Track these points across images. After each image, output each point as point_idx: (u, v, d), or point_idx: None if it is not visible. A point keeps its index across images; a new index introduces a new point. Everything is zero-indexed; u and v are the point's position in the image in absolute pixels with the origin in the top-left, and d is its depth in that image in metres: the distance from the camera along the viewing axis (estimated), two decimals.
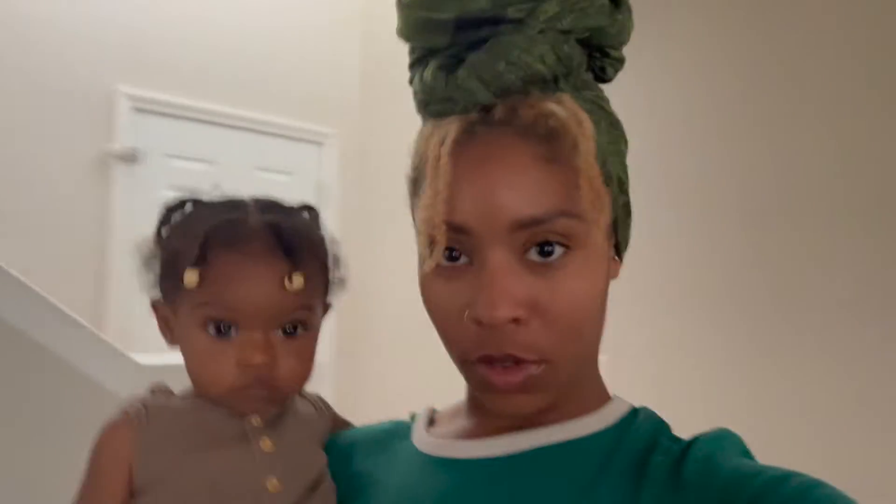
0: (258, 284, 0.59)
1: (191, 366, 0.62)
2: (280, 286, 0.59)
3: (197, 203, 0.65)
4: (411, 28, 0.57)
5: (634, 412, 0.60)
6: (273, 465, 0.60)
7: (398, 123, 3.41)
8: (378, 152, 3.56)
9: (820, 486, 0.46)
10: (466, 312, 0.53)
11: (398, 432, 0.68)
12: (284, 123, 3.44)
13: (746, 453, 0.54)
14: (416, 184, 0.58)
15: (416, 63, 0.59)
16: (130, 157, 2.97)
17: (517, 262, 0.53)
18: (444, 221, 0.53)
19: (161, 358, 2.04)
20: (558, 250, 0.53)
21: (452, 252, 0.55)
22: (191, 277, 0.58)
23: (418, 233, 0.57)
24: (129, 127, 2.99)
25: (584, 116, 0.53)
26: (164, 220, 0.65)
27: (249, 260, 0.59)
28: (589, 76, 0.58)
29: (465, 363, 0.56)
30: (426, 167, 0.55)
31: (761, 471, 0.48)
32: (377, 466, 0.65)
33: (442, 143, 0.54)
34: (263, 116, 3.37)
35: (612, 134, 0.57)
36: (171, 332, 0.65)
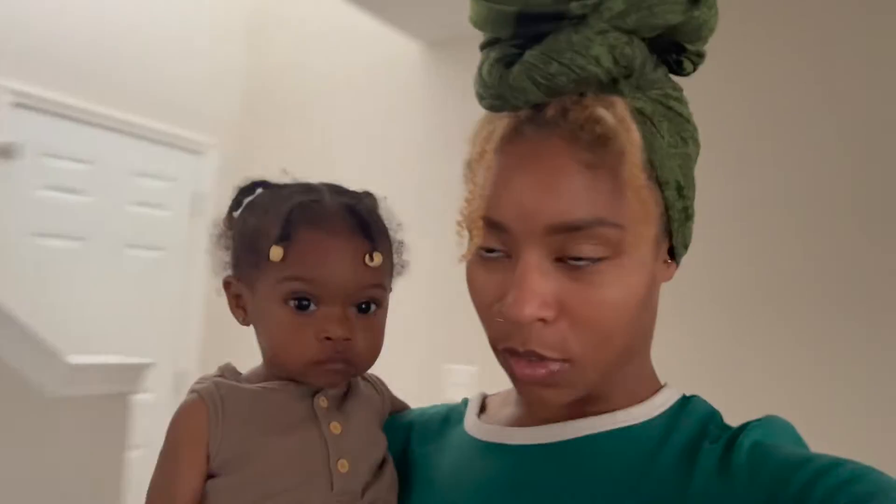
0: (341, 261, 0.62)
1: (272, 339, 0.64)
2: (360, 263, 0.62)
3: (271, 186, 0.68)
4: (479, 17, 0.57)
5: (685, 400, 0.60)
6: (342, 446, 0.62)
7: (278, 138, 3.51)
8: (257, 166, 3.59)
9: (870, 472, 0.46)
10: (497, 307, 0.54)
11: (451, 417, 0.68)
12: (165, 130, 3.41)
13: (798, 440, 0.54)
14: (470, 169, 0.58)
15: (485, 46, 0.58)
16: (6, 153, 2.82)
17: (550, 264, 0.53)
18: (483, 217, 0.54)
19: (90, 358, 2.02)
20: (595, 259, 0.53)
21: (490, 250, 0.56)
22: (277, 252, 0.60)
23: (465, 219, 0.57)
24: (6, 121, 2.84)
25: (633, 125, 0.52)
26: (238, 201, 0.68)
27: (332, 238, 0.62)
28: (660, 72, 0.56)
29: (495, 350, 0.57)
30: (472, 160, 0.56)
31: (812, 458, 0.48)
32: (431, 450, 0.66)
33: (489, 140, 0.55)
34: (144, 121, 3.32)
35: (678, 136, 0.55)
36: (243, 309, 0.67)
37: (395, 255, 0.68)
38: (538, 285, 0.52)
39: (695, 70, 0.59)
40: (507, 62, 0.54)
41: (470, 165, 0.57)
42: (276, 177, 0.69)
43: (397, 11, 2.81)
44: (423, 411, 0.72)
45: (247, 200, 0.68)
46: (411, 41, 3.09)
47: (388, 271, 0.67)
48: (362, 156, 3.18)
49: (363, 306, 0.64)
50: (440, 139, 3.01)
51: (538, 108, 0.54)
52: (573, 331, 0.53)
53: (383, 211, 0.70)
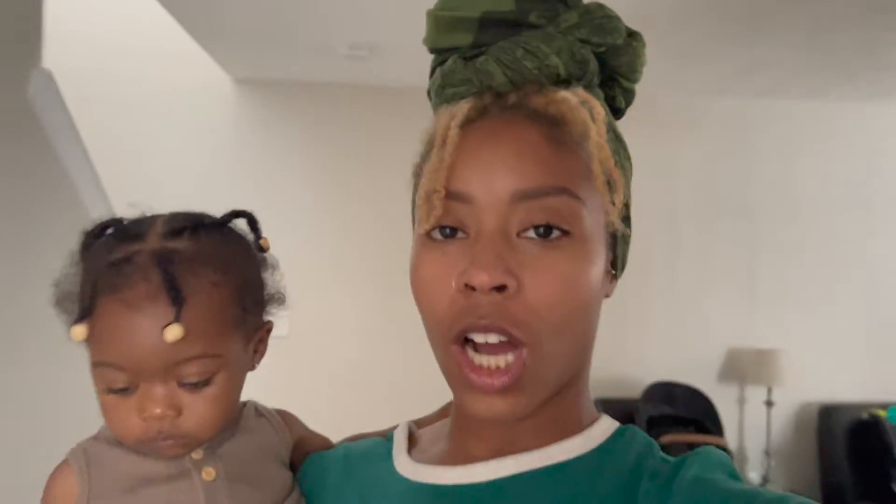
0: (138, 338, 0.55)
1: (103, 416, 0.59)
2: (163, 338, 0.54)
3: (102, 233, 0.60)
4: (438, 30, 0.59)
5: (621, 433, 0.59)
6: (217, 492, 0.59)
7: None
8: None
9: None
10: (454, 280, 0.52)
11: (377, 452, 0.65)
12: None
13: (733, 473, 0.53)
14: (419, 169, 0.58)
15: (437, 66, 0.61)
16: None
17: (514, 237, 0.53)
18: (445, 187, 0.53)
19: None
20: (555, 233, 0.53)
21: (448, 229, 0.55)
22: (78, 332, 0.55)
23: (417, 206, 0.57)
24: None
25: (596, 103, 0.55)
26: (83, 248, 0.60)
27: (129, 310, 0.54)
28: (601, 95, 0.60)
29: (445, 347, 0.54)
30: (434, 143, 0.56)
31: (755, 494, 0.48)
32: (356, 489, 0.63)
33: (453, 118, 0.55)
34: None
35: (619, 151, 0.59)
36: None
37: (243, 296, 0.61)
38: (502, 250, 0.52)
39: (624, 112, 0.63)
40: (471, 57, 0.57)
41: (430, 146, 0.57)
42: (126, 212, 0.61)
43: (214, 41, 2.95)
44: (347, 447, 0.68)
45: (91, 245, 0.60)
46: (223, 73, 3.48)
47: (223, 329, 0.59)
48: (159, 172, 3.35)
49: (189, 381, 0.57)
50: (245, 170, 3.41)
51: (500, 95, 0.56)
52: (532, 308, 0.52)
53: (235, 242, 0.62)
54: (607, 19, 0.57)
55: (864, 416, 3.77)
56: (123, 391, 0.57)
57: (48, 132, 1.71)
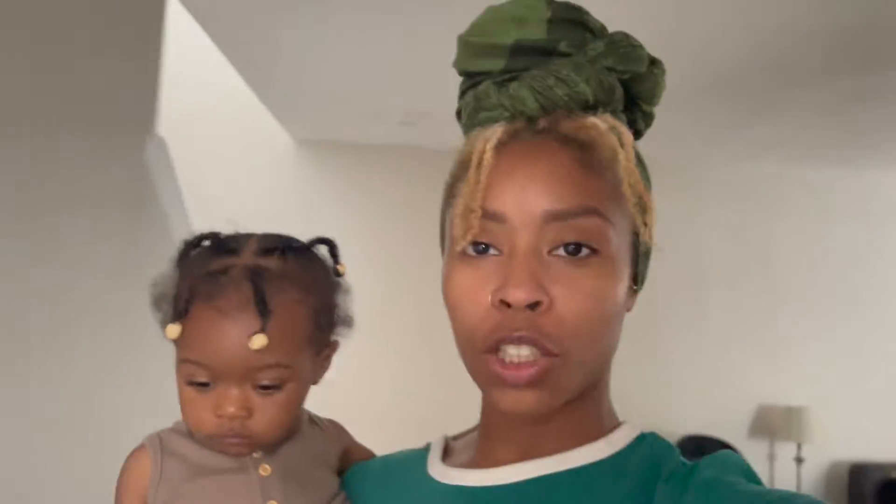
0: (227, 342, 0.60)
1: (180, 408, 0.65)
2: (248, 345, 0.59)
3: (201, 244, 0.67)
4: (470, 55, 0.62)
5: (643, 438, 0.61)
6: (271, 488, 0.64)
7: None
8: None
9: None
10: (490, 296, 0.55)
11: (414, 462, 0.68)
12: None
13: (750, 474, 0.54)
14: (451, 189, 0.61)
15: (468, 89, 0.63)
16: None
17: (546, 254, 0.55)
18: (481, 207, 0.56)
19: None
20: (584, 251, 0.55)
21: (482, 246, 0.57)
22: (171, 331, 0.60)
23: (452, 225, 0.59)
24: None
25: (624, 129, 0.57)
26: (181, 256, 0.67)
27: (221, 315, 0.60)
28: (625, 120, 0.62)
29: (477, 355, 0.57)
30: (468, 164, 0.58)
31: (764, 494, 0.49)
32: (392, 493, 0.66)
33: (487, 142, 0.57)
34: None
35: (644, 174, 0.61)
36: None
37: (320, 316, 0.66)
38: (536, 268, 0.54)
39: (643, 134, 0.66)
40: (502, 84, 0.60)
41: (461, 175, 0.59)
42: (223, 228, 0.67)
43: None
44: (386, 458, 0.73)
45: (190, 255, 0.66)
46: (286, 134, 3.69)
47: (298, 344, 0.64)
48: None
49: (264, 386, 0.62)
50: (302, 222, 3.56)
51: (531, 120, 0.58)
52: (562, 321, 0.54)
53: (318, 266, 0.68)
54: (632, 48, 0.60)
55: (894, 475, 3.81)
56: (203, 387, 0.62)
57: (160, 195, 1.96)
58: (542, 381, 0.55)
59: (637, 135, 0.64)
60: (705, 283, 4.09)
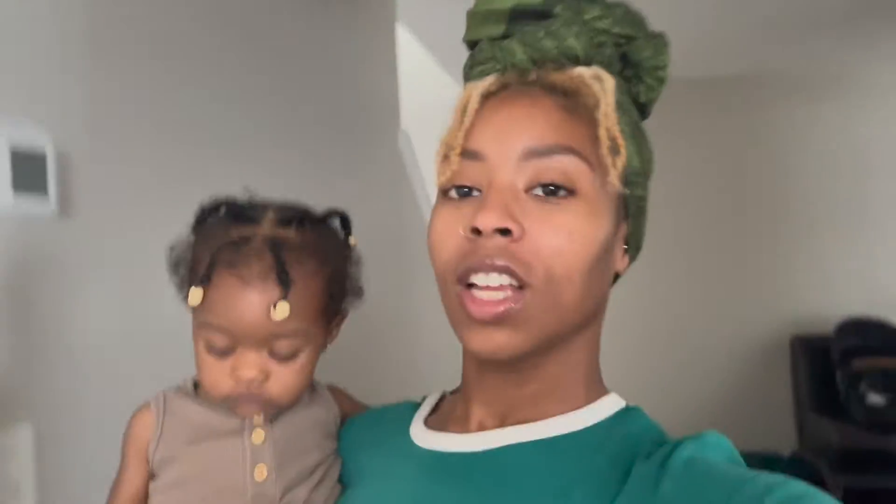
0: (249, 310, 0.62)
1: (196, 368, 0.67)
2: (270, 313, 0.61)
3: (221, 210, 0.68)
4: (474, 24, 0.64)
5: (626, 412, 0.60)
6: (262, 454, 0.66)
7: None
8: None
9: (809, 497, 0.43)
10: (462, 227, 0.56)
11: (401, 418, 0.69)
12: None
13: (733, 456, 0.52)
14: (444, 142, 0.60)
15: (468, 57, 0.65)
16: None
17: (522, 193, 0.56)
18: (462, 146, 0.57)
19: None
20: (562, 193, 0.55)
21: (465, 189, 0.58)
22: (194, 296, 0.62)
23: (436, 168, 0.60)
24: None
25: (608, 76, 0.57)
26: (199, 222, 0.68)
27: (244, 284, 0.62)
28: (625, 91, 0.62)
29: (449, 288, 0.57)
30: (456, 112, 0.59)
31: (750, 478, 0.46)
32: (375, 448, 0.68)
33: (474, 89, 0.59)
34: None
35: (634, 130, 0.61)
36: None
37: (334, 287, 0.68)
38: (508, 200, 0.55)
39: (647, 110, 0.65)
40: (498, 40, 0.62)
41: (453, 112, 0.59)
42: (240, 194, 0.68)
43: None
44: (377, 410, 0.75)
45: (207, 221, 0.68)
46: None
47: (314, 312, 0.66)
48: None
49: (281, 353, 0.64)
50: None
51: (522, 73, 0.60)
52: (534, 254, 0.54)
53: (345, 234, 0.71)
54: (629, 14, 0.61)
55: None
56: (222, 353, 0.64)
57: (411, 181, 2.35)
58: (512, 318, 0.54)
59: (641, 108, 0.65)
60: (867, 174, 4.04)
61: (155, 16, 1.23)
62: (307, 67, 1.80)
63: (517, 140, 0.56)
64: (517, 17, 0.61)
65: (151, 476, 0.67)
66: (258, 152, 1.53)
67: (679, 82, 3.81)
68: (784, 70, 3.93)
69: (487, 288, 0.54)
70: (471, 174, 0.58)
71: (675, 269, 3.97)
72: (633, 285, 3.76)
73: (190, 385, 0.71)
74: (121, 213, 1.10)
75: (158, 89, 1.22)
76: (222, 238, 0.64)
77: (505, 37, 0.62)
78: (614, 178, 0.57)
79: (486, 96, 0.59)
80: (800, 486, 0.44)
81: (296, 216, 0.67)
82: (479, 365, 0.62)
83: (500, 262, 0.54)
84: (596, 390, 0.62)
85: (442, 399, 0.71)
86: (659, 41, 0.62)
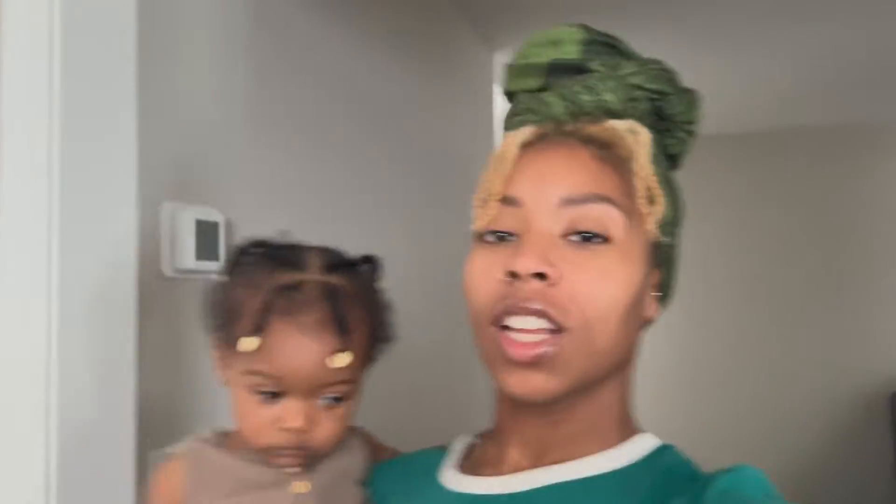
0: (308, 359, 0.61)
1: (236, 417, 0.65)
2: (328, 361, 0.61)
3: (264, 253, 0.66)
4: (512, 77, 0.66)
5: (661, 450, 0.60)
6: None
7: None
8: None
9: None
10: (500, 270, 0.56)
11: (431, 464, 0.68)
12: None
13: (768, 490, 0.52)
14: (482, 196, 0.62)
15: (511, 107, 0.68)
16: None
17: (559, 238, 0.57)
18: (501, 193, 0.58)
19: None
20: (597, 240, 0.57)
21: (501, 234, 0.59)
22: (248, 345, 0.60)
23: (475, 214, 0.61)
24: None
25: (642, 129, 0.60)
26: (235, 264, 0.67)
27: (304, 333, 0.61)
28: (657, 143, 0.63)
29: (485, 329, 0.57)
30: (495, 160, 0.60)
31: None
32: (405, 497, 0.66)
33: (514, 138, 0.61)
34: None
35: (667, 180, 0.62)
36: (224, 373, 0.66)
37: (376, 333, 0.68)
38: (546, 246, 0.56)
39: (679, 162, 0.67)
40: (536, 92, 0.64)
41: (493, 160, 0.61)
42: (275, 236, 0.68)
43: None
44: (406, 457, 0.73)
45: (242, 262, 0.67)
46: None
47: (360, 360, 0.65)
48: None
49: (330, 400, 0.64)
50: None
51: (559, 125, 0.61)
52: (572, 296, 0.55)
53: (378, 280, 0.69)
54: (663, 71, 0.62)
55: None
56: (269, 399, 0.62)
57: None
58: (549, 360, 0.55)
59: (672, 160, 0.66)
60: None
61: (295, 98, 1.45)
62: (414, 132, 1.97)
63: (555, 188, 0.57)
64: (555, 71, 0.63)
65: None
66: (373, 211, 1.71)
67: (786, 132, 3.88)
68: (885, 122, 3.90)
69: (524, 330, 0.55)
70: (508, 220, 0.59)
71: (773, 322, 3.97)
72: (733, 337, 3.78)
73: (217, 436, 0.69)
74: None
75: (299, 160, 1.46)
76: (270, 283, 0.62)
77: (543, 89, 0.63)
78: (651, 225, 0.60)
79: (525, 146, 0.61)
80: None
81: (341, 262, 0.67)
82: (513, 406, 0.62)
83: (536, 306, 0.54)
84: (630, 430, 0.63)
85: (472, 444, 0.70)
86: (691, 97, 0.64)
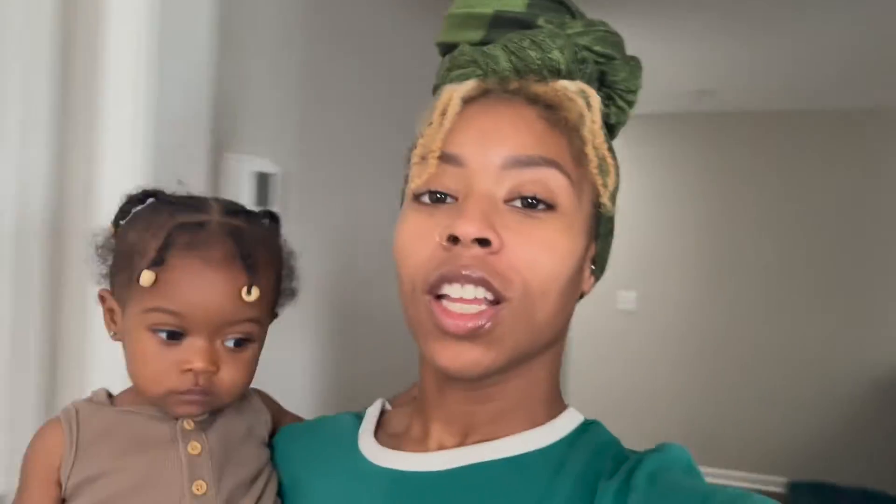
0: (214, 293, 0.58)
1: (132, 364, 0.61)
2: (236, 297, 0.59)
3: (160, 198, 0.64)
4: (452, 26, 0.62)
5: (584, 427, 0.59)
6: (200, 467, 0.61)
7: None
8: None
9: None
10: (439, 234, 0.53)
11: (346, 431, 0.66)
12: None
13: (691, 469, 0.53)
14: (416, 143, 0.58)
15: (446, 59, 0.63)
16: None
17: (501, 203, 0.54)
18: (440, 148, 0.55)
19: None
20: (541, 206, 0.54)
21: (439, 195, 0.55)
22: (147, 277, 0.57)
23: (411, 171, 0.58)
24: None
25: (593, 93, 0.57)
26: (124, 211, 0.64)
27: (208, 267, 0.58)
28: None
29: (418, 298, 0.54)
30: (433, 115, 0.56)
31: (714, 492, 0.47)
32: (320, 465, 0.63)
33: (455, 91, 0.57)
34: None
35: (607, 137, 0.60)
36: (115, 325, 0.63)
37: (282, 284, 0.66)
38: (488, 210, 0.53)
39: (616, 131, 0.65)
40: (478, 45, 0.60)
41: (431, 110, 0.58)
42: (170, 188, 0.65)
43: None
44: (315, 422, 0.70)
45: (134, 211, 0.64)
46: None
47: (268, 305, 0.64)
48: None
49: (235, 341, 0.61)
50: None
51: (503, 80, 0.58)
52: (510, 269, 0.52)
53: (279, 235, 0.68)
54: (610, 34, 0.60)
55: None
56: (170, 340, 0.59)
57: None
58: (485, 334, 0.52)
59: (610, 129, 0.63)
60: None
61: (345, 65, 1.63)
62: None
63: (500, 147, 0.54)
64: (498, 23, 0.60)
65: (64, 500, 0.60)
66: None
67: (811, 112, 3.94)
68: None
69: (461, 300, 0.52)
70: (448, 180, 0.55)
71: (790, 306, 4.06)
72: (754, 321, 3.84)
73: (103, 395, 0.65)
74: (322, 215, 1.57)
75: (350, 119, 1.65)
76: (170, 222, 0.60)
77: (484, 42, 0.60)
78: (606, 198, 0.58)
79: (467, 101, 0.57)
80: (763, 500, 0.45)
81: (241, 209, 0.65)
82: (440, 381, 0.60)
83: (477, 275, 0.51)
84: (556, 407, 0.61)
85: (384, 412, 0.68)
86: (635, 65, 0.62)
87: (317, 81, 1.52)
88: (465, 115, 0.56)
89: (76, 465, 0.59)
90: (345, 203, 1.67)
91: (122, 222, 0.64)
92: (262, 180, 1.28)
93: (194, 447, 0.61)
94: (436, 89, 0.63)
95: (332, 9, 1.58)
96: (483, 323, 0.52)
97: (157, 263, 0.57)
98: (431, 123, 0.57)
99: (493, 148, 0.54)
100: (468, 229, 0.51)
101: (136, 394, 0.63)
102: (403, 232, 0.56)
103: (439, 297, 0.53)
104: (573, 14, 0.61)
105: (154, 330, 0.59)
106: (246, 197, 1.23)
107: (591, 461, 0.55)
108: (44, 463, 0.60)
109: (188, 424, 0.62)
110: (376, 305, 1.73)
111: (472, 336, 0.52)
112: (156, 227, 0.60)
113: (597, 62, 0.60)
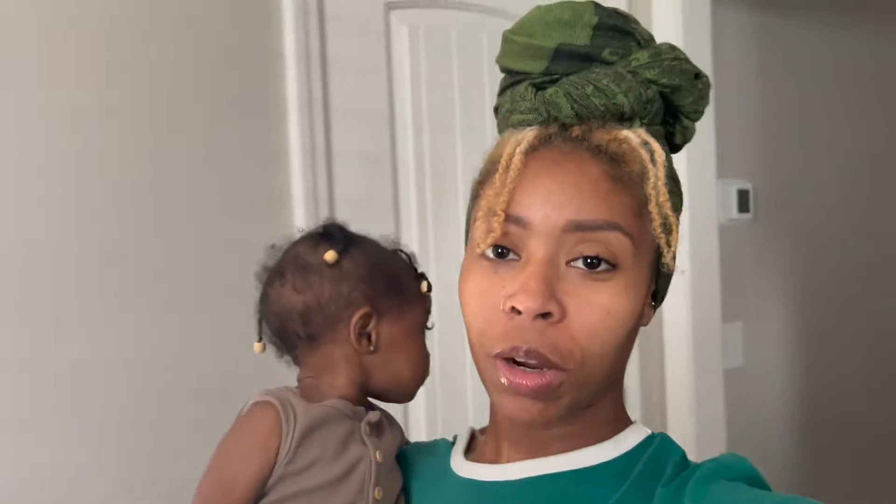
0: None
1: (407, 366, 0.71)
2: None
3: (371, 240, 0.73)
4: (512, 53, 0.61)
5: (650, 439, 0.61)
6: (380, 475, 0.65)
7: None
8: None
9: None
10: (502, 301, 0.54)
11: (442, 452, 0.70)
12: None
13: (754, 476, 0.54)
14: (478, 188, 0.60)
15: (507, 87, 0.63)
16: None
17: (562, 265, 0.54)
18: (504, 211, 0.55)
19: None
20: (603, 266, 0.54)
21: (501, 249, 0.56)
22: (427, 286, 0.72)
23: (474, 226, 0.59)
24: None
25: (657, 145, 0.56)
26: (345, 243, 0.70)
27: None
28: (661, 132, 0.60)
29: (486, 358, 0.56)
30: (496, 166, 0.57)
31: (763, 498, 0.49)
32: (420, 483, 0.69)
33: (518, 145, 0.57)
34: None
35: (675, 192, 0.59)
36: (368, 339, 0.68)
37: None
38: (550, 278, 0.53)
39: (681, 147, 0.65)
40: (540, 87, 0.59)
41: (490, 175, 0.58)
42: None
43: None
44: (417, 445, 0.76)
45: (353, 244, 0.71)
46: None
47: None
48: None
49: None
50: None
51: (564, 127, 0.58)
52: (574, 338, 0.53)
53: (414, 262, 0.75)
54: (677, 61, 0.58)
55: None
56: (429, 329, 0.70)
57: None
58: (547, 394, 0.54)
59: (674, 148, 0.64)
60: None
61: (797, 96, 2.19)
62: None
63: (563, 211, 0.54)
64: (561, 56, 0.59)
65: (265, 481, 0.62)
66: None
67: None
68: None
69: (526, 364, 0.54)
70: (510, 238, 0.56)
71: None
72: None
73: (293, 390, 0.68)
74: (801, 219, 2.13)
75: (809, 141, 2.18)
76: (399, 249, 0.75)
77: (546, 73, 0.59)
78: (669, 259, 0.58)
79: (529, 150, 0.57)
80: (814, 502, 0.46)
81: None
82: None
83: (538, 351, 0.53)
84: (623, 420, 0.63)
85: (473, 437, 0.72)
86: (703, 87, 0.61)
87: (775, 112, 2.04)
88: (528, 171, 0.56)
89: (298, 452, 0.62)
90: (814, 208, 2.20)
91: (348, 251, 0.70)
92: (742, 194, 1.93)
93: (378, 455, 0.65)
94: (496, 111, 0.65)
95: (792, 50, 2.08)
96: (547, 381, 0.54)
97: (422, 277, 0.73)
98: (493, 174, 0.57)
99: (557, 211, 0.54)
100: (530, 305, 0.52)
101: (318, 392, 0.67)
102: (468, 292, 0.58)
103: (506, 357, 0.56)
104: (639, 42, 0.60)
105: (424, 328, 0.73)
106: (733, 206, 1.92)
107: (652, 469, 0.58)
108: (263, 443, 0.61)
109: (366, 430, 0.66)
110: None
111: (535, 395, 0.54)
112: (394, 254, 0.74)
113: (662, 93, 0.60)
